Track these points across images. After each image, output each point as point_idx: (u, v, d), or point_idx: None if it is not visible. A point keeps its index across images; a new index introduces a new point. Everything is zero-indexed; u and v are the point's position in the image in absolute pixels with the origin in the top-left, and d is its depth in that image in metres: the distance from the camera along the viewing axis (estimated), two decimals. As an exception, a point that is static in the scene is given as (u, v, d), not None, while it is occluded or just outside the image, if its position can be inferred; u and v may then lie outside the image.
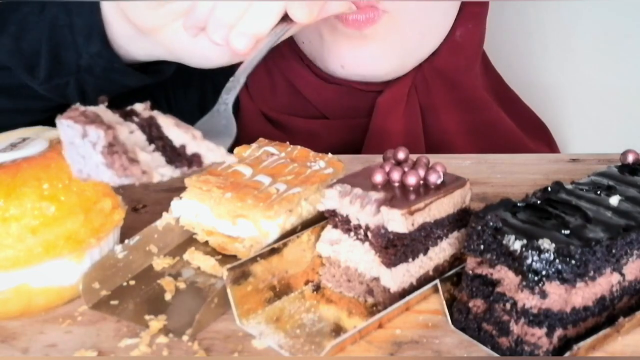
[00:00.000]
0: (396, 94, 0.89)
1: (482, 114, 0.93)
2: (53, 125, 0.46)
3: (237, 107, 0.96)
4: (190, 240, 0.61)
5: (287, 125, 0.91)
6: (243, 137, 0.94)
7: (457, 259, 0.56)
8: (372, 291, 0.54)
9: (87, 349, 0.49)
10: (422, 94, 0.90)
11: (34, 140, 0.56)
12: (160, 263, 0.59)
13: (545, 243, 0.44)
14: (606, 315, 0.49)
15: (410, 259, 0.53)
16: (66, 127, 0.43)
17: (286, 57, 0.93)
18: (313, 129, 0.90)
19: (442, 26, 0.89)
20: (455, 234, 0.56)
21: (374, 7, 0.81)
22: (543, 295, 0.45)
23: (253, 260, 0.52)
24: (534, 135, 0.99)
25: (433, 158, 0.57)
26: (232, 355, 0.48)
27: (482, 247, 0.48)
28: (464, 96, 0.92)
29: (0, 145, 0.56)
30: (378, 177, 0.53)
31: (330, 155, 0.65)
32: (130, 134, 0.45)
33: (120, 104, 0.47)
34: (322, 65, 0.89)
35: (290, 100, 0.93)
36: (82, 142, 0.43)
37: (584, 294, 0.46)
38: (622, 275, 0.49)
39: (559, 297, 0.45)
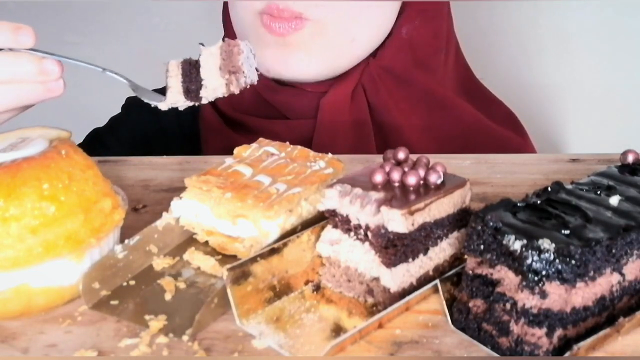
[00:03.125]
0: (339, 95, 0.89)
1: (441, 110, 0.93)
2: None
3: (197, 115, 0.98)
4: (190, 240, 0.61)
5: (251, 127, 0.92)
6: (204, 144, 0.96)
7: (457, 259, 0.56)
8: (372, 291, 0.54)
9: (87, 349, 0.49)
10: (371, 92, 0.91)
11: (34, 140, 0.56)
12: (160, 263, 0.59)
13: (545, 243, 0.44)
14: (606, 315, 0.49)
15: (410, 259, 0.53)
16: (246, 44, 0.65)
17: None
18: (275, 129, 0.91)
19: (379, 25, 0.90)
20: (455, 234, 0.56)
21: (298, 16, 0.83)
22: (543, 295, 0.45)
23: (253, 260, 0.52)
24: (505, 126, 0.99)
25: (433, 158, 0.57)
26: (232, 355, 0.48)
27: (482, 247, 0.48)
28: (416, 93, 0.92)
29: (0, 145, 0.56)
30: (378, 177, 0.53)
31: (330, 155, 0.65)
32: None
33: None
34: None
35: (254, 102, 0.94)
36: (250, 54, 0.66)
37: (584, 294, 0.46)
38: (622, 275, 0.49)
39: (559, 297, 0.45)
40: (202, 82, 0.65)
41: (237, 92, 0.66)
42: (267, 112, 0.94)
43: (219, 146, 0.92)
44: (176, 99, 0.65)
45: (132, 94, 1.07)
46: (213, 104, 0.97)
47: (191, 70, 0.65)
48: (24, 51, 0.62)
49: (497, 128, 0.96)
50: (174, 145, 1.01)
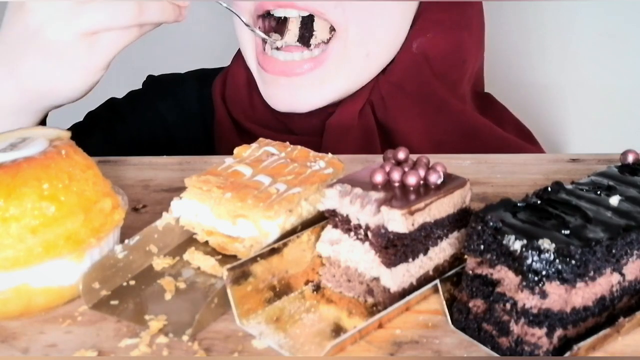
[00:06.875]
0: (346, 114, 0.89)
1: (456, 126, 0.91)
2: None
3: (212, 119, 0.99)
4: (190, 240, 0.61)
5: (259, 137, 0.92)
6: (218, 146, 0.97)
7: (457, 259, 0.56)
8: (372, 291, 0.54)
9: (87, 349, 0.49)
10: (379, 110, 0.89)
11: (34, 140, 0.56)
12: (160, 263, 0.59)
13: (545, 243, 0.44)
14: (606, 315, 0.49)
15: (410, 259, 0.53)
16: None
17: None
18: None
19: (387, 43, 0.88)
20: (455, 234, 0.56)
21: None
22: (543, 295, 0.45)
23: (253, 260, 0.52)
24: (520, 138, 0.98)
25: (433, 158, 0.57)
26: (232, 355, 0.48)
27: (482, 247, 0.48)
28: (429, 109, 0.90)
29: (0, 145, 0.56)
30: (378, 177, 0.53)
31: (330, 155, 0.65)
32: None
33: None
34: None
35: (265, 114, 0.94)
36: None
37: (584, 294, 0.46)
38: (622, 275, 0.49)
39: (559, 297, 0.45)
40: (314, 33, 0.85)
41: None
42: (277, 125, 0.94)
43: (230, 152, 0.93)
44: (291, 40, 0.85)
45: (153, 73, 1.07)
46: (228, 112, 0.97)
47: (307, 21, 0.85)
48: None
49: (518, 140, 0.93)
50: (194, 134, 1.01)
